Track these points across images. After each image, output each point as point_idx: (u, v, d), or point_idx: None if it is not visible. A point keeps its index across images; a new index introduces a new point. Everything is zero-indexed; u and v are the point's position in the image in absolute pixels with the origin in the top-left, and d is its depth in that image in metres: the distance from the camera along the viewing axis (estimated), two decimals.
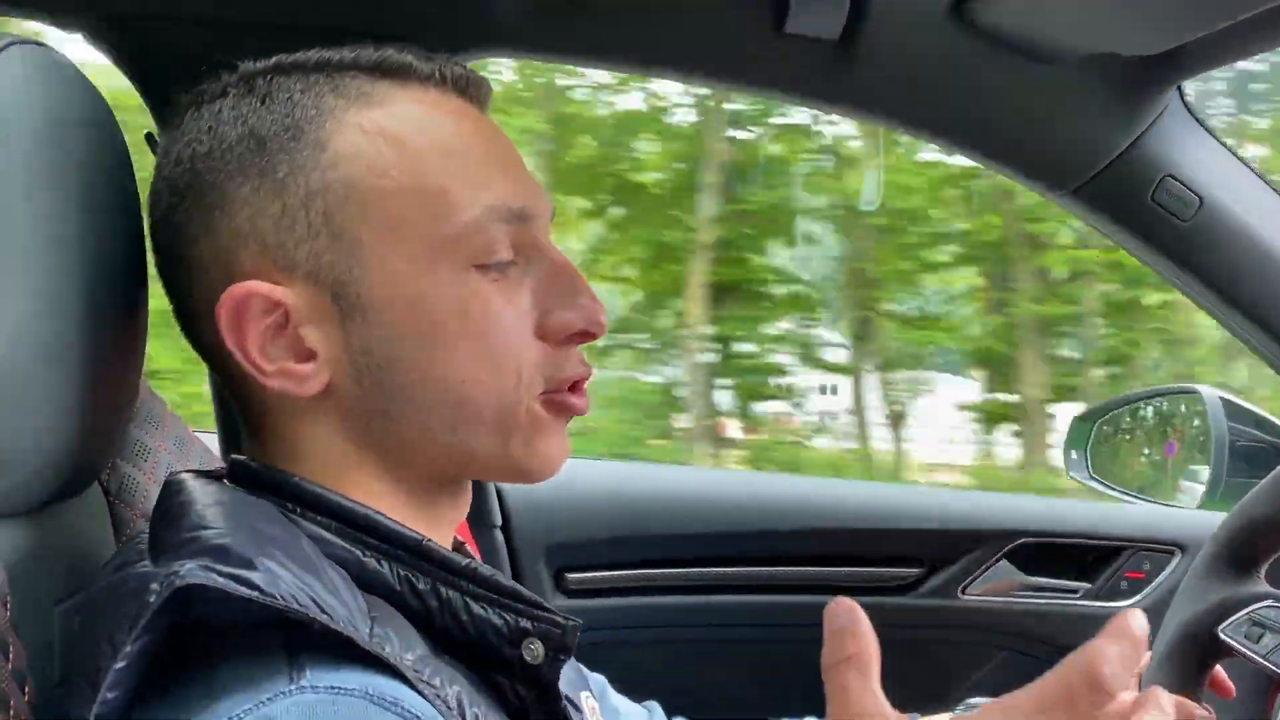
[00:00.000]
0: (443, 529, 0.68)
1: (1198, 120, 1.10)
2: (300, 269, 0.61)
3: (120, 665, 0.48)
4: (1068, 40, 1.02)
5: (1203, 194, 1.09)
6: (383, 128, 0.63)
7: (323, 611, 0.51)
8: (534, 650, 0.61)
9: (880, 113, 1.11)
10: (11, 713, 0.52)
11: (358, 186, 0.62)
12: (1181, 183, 1.08)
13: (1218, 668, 0.92)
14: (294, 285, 0.61)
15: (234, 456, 0.66)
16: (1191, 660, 0.92)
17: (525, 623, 0.61)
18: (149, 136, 0.99)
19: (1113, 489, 1.46)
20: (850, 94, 1.09)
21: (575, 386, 0.67)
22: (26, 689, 0.55)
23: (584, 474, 1.42)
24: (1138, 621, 0.48)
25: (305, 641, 0.51)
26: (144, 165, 0.73)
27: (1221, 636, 0.90)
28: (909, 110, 1.10)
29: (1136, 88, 1.06)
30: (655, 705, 0.97)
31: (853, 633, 0.52)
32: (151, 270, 0.71)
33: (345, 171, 0.62)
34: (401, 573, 0.61)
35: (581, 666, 0.86)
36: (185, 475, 0.64)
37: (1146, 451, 1.50)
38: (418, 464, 0.65)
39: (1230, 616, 0.91)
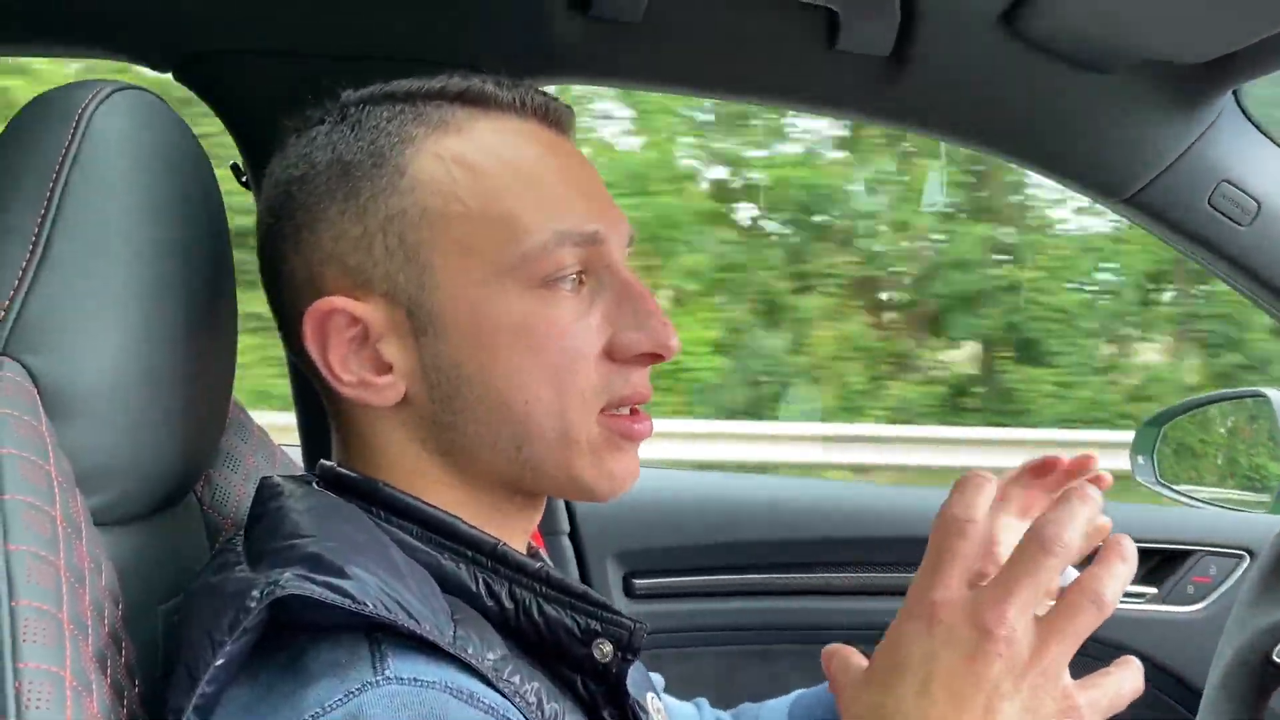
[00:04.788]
0: (516, 535, 0.71)
1: (1254, 124, 1.10)
2: (378, 288, 0.65)
3: (220, 663, 0.53)
4: (1120, 48, 1.03)
5: (1260, 198, 1.09)
6: (458, 154, 0.66)
7: (410, 616, 0.55)
8: (603, 649, 0.64)
9: (933, 125, 1.13)
10: (125, 703, 0.57)
11: (430, 211, 0.65)
12: (1238, 187, 1.09)
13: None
14: (372, 302, 0.65)
15: (323, 463, 0.70)
16: (1248, 688, 0.90)
17: (594, 624, 0.64)
18: (234, 167, 1.06)
19: (1179, 493, 1.45)
20: (903, 108, 1.11)
21: (635, 411, 0.69)
22: (137, 681, 0.60)
23: (649, 483, 1.45)
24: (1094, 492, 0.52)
25: (389, 636, 0.55)
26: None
27: (1277, 660, 0.89)
28: (962, 122, 1.12)
29: (1191, 94, 1.06)
30: (703, 701, 0.99)
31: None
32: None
33: (420, 196, 0.65)
34: (480, 575, 0.64)
35: (644, 669, 0.89)
36: (279, 478, 0.68)
37: (1213, 456, 1.49)
38: (488, 475, 0.68)
39: None
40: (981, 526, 0.54)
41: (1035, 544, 0.52)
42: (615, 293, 0.68)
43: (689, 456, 5.12)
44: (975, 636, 0.51)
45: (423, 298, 0.65)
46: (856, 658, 0.58)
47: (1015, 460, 0.78)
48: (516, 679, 0.58)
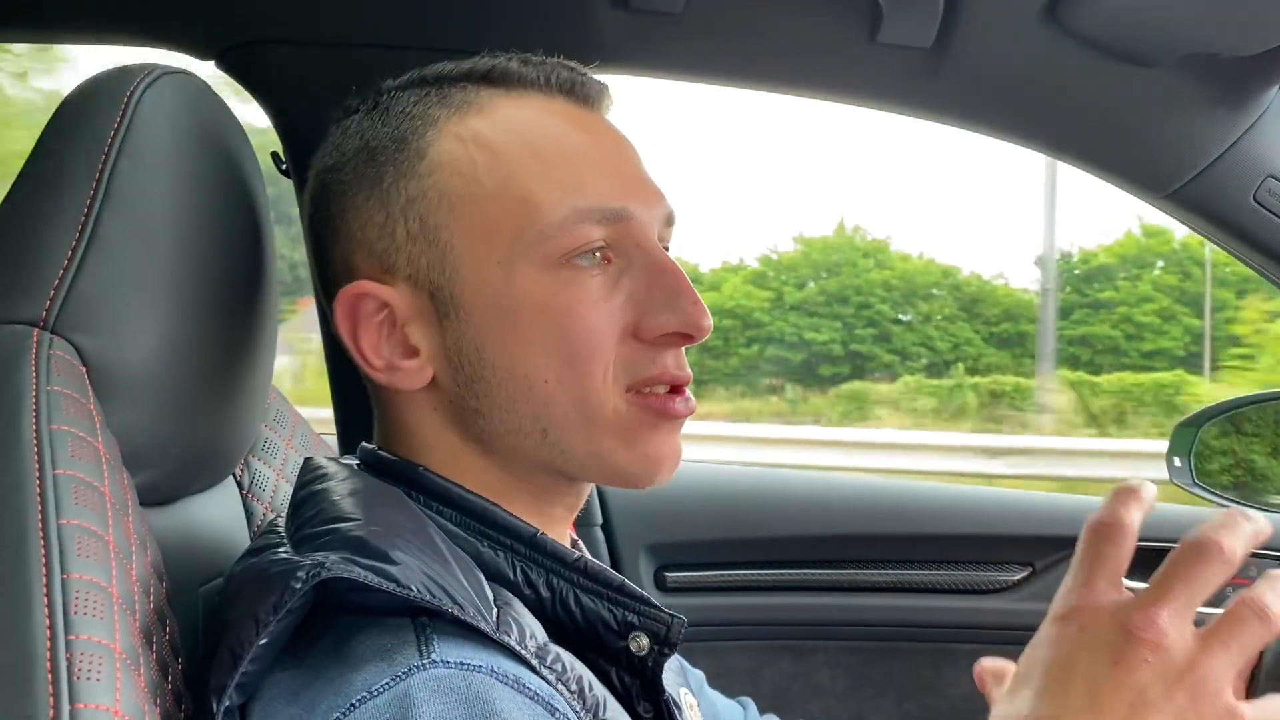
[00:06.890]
0: (555, 524, 0.71)
1: None
2: (401, 272, 0.66)
3: (263, 642, 0.53)
4: (1164, 42, 1.02)
5: None
6: (478, 135, 0.66)
7: (454, 601, 0.55)
8: (640, 643, 0.64)
9: (974, 119, 1.12)
10: (170, 679, 0.57)
11: (450, 193, 0.65)
12: None
13: None
14: (398, 286, 0.66)
15: (364, 445, 0.70)
16: None
17: (632, 617, 0.64)
18: (275, 155, 1.06)
19: (1217, 496, 1.43)
20: (944, 101, 1.10)
21: (677, 390, 0.68)
22: (180, 659, 0.60)
23: (681, 476, 1.44)
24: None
25: (435, 621, 0.54)
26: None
27: None
28: (1003, 116, 1.10)
29: (1236, 88, 1.05)
30: (749, 701, 0.99)
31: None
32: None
33: (439, 179, 0.65)
34: (517, 563, 0.64)
35: (684, 662, 0.88)
36: (322, 460, 0.68)
37: (1251, 457, 1.46)
38: (520, 461, 0.67)
39: None
40: (1130, 532, 0.53)
41: (1193, 551, 0.50)
42: (645, 272, 0.67)
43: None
44: (1120, 640, 0.49)
45: (444, 281, 0.65)
46: (1009, 669, 0.57)
47: None
48: (560, 666, 0.58)
